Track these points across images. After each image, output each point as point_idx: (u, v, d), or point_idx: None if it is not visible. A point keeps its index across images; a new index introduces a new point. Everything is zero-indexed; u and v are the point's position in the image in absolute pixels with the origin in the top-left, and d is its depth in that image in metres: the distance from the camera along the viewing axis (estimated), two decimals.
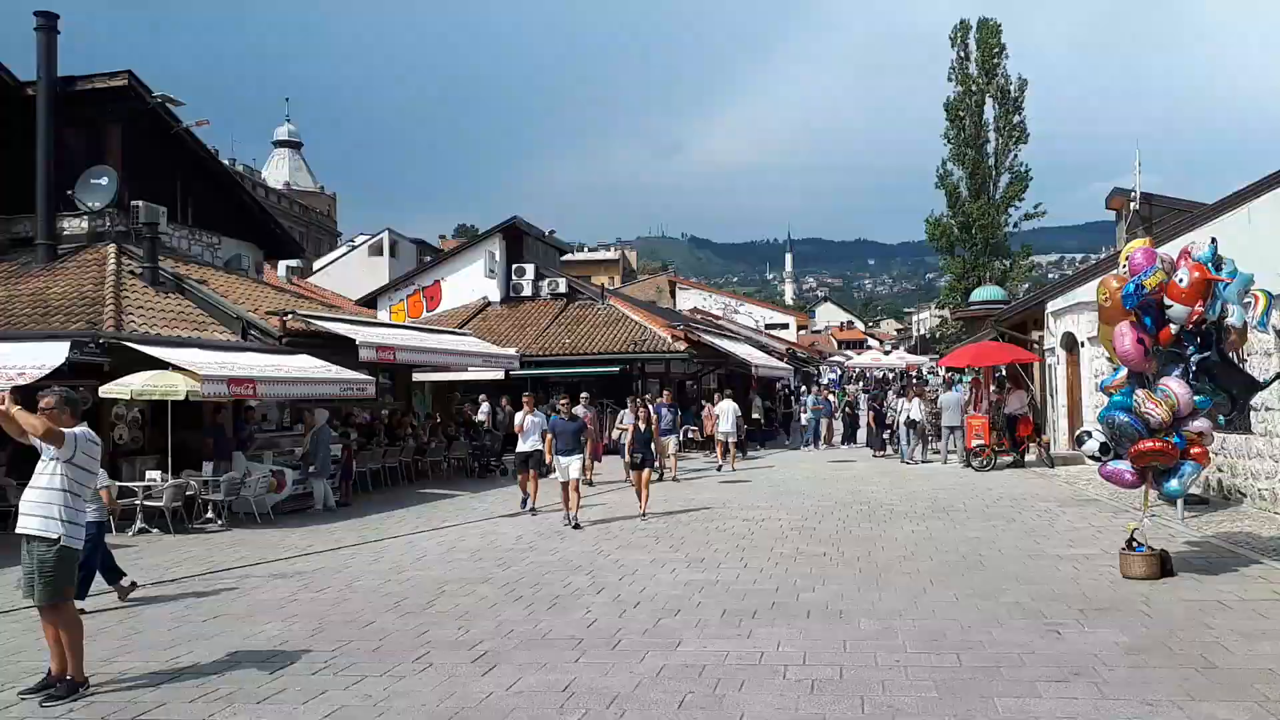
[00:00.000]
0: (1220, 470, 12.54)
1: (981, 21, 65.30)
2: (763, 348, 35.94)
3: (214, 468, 13.82)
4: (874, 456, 22.33)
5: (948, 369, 33.90)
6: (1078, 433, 7.59)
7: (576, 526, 12.09)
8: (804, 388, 38.38)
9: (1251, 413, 11.39)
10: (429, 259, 37.94)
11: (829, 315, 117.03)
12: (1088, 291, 19.81)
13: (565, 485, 12.56)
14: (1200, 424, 7.44)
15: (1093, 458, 7.64)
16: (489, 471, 19.87)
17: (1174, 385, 7.33)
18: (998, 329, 21.93)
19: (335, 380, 15.11)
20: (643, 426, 13.68)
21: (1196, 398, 7.52)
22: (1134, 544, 7.78)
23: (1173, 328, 7.46)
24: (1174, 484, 7.62)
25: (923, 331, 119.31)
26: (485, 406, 22.59)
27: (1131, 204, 21.75)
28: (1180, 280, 7.01)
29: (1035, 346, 21.77)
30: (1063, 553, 9.19)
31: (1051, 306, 20.75)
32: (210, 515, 13.54)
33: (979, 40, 64.90)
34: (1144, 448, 7.38)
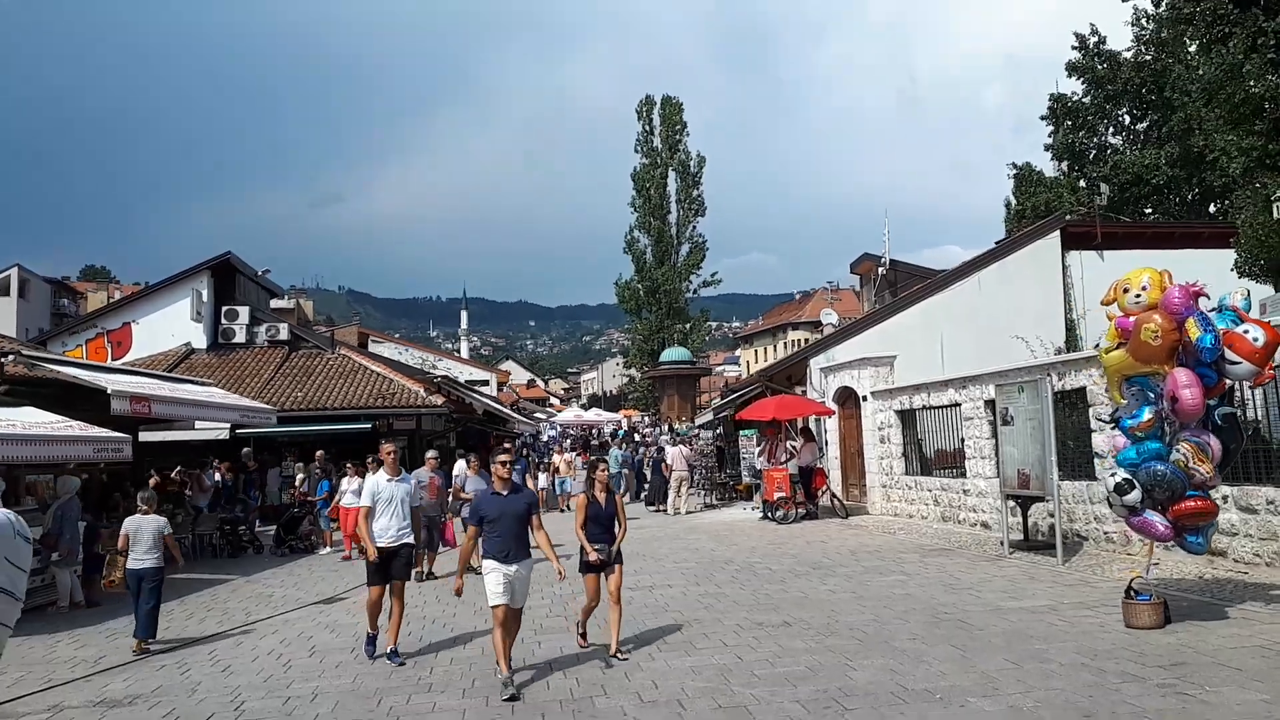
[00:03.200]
0: (1051, 515, 13.39)
1: (665, 99, 69.52)
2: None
3: None
4: (653, 511, 21.95)
5: (679, 428, 34.60)
6: (1117, 480, 7.39)
7: (514, 698, 6.79)
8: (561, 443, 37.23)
9: (1096, 459, 12.27)
10: (65, 301, 32.50)
11: (514, 374, 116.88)
12: (853, 350, 20.98)
13: (499, 615, 7.15)
14: (1216, 478, 7.55)
15: (1129, 507, 7.50)
16: (242, 549, 16.86)
17: (1213, 441, 7.37)
18: (765, 384, 22.52)
19: (88, 440, 11.98)
20: (601, 498, 8.02)
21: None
22: (1134, 593, 7.77)
23: (1227, 383, 7.48)
24: (1200, 539, 7.65)
25: (593, 390, 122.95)
26: (213, 472, 19.19)
27: (880, 269, 23.54)
28: (1255, 339, 6.90)
29: None
30: (1015, 605, 9.09)
31: (819, 363, 21.69)
32: None
33: (663, 116, 68.95)
34: (1190, 507, 7.32)
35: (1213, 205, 40.48)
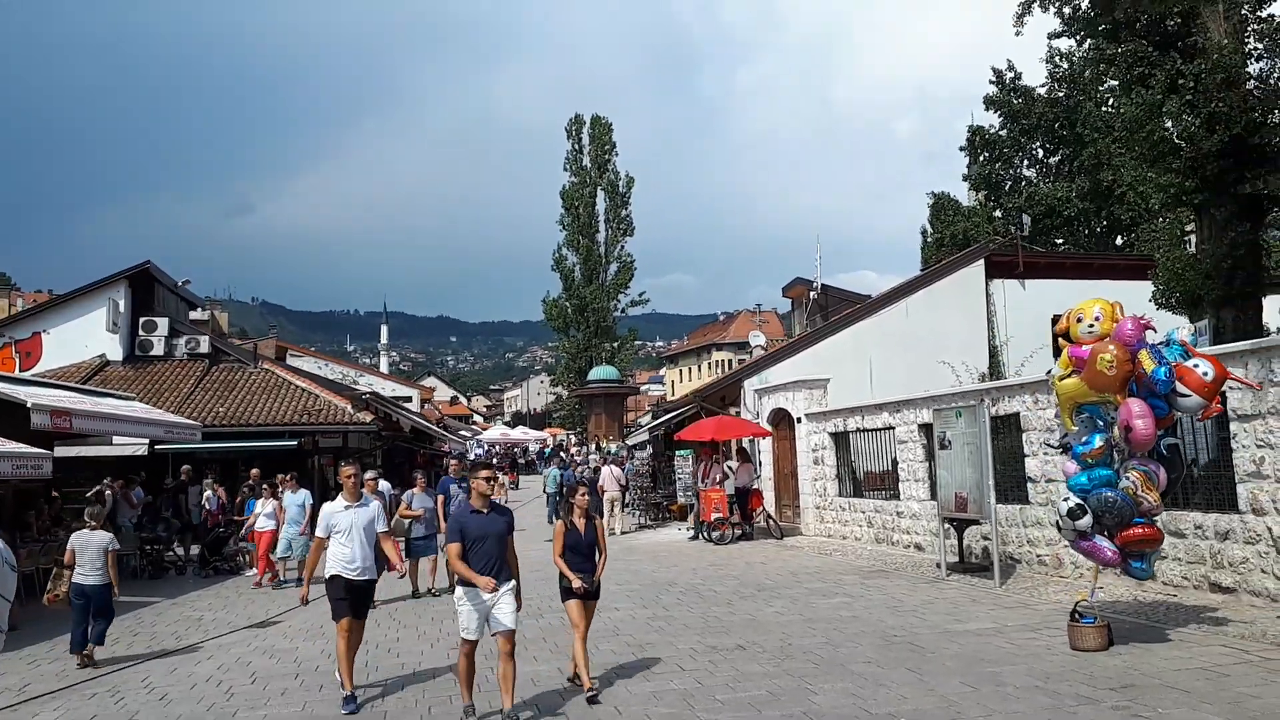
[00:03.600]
0: (987, 539, 13.71)
1: (595, 118, 69.70)
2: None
3: None
4: None
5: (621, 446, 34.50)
6: (1070, 505, 7.57)
7: None
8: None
9: (1029, 484, 12.63)
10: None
11: (437, 390, 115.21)
12: (785, 372, 21.27)
13: (466, 648, 6.91)
14: (1159, 506, 7.79)
15: (1080, 532, 7.69)
16: (164, 569, 16.23)
17: (1160, 471, 7.62)
18: (700, 404, 22.64)
19: (7, 456, 11.40)
20: (580, 524, 7.58)
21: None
22: (1079, 615, 7.99)
23: (1176, 415, 7.70)
24: (1144, 565, 7.88)
25: (517, 408, 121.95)
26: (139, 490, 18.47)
27: (812, 293, 23.92)
28: (1204, 374, 7.11)
29: None
30: (961, 628, 9.26)
31: (754, 385, 21.91)
32: None
33: (592, 135, 69.07)
34: (1137, 534, 7.53)
35: (1119, 238, 42.30)
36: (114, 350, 25.75)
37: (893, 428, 15.98)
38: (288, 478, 16.16)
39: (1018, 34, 18.50)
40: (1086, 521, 7.60)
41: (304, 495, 15.11)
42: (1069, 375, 7.69)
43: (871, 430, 16.81)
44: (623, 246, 67.43)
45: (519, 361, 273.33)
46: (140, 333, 26.04)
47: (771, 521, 18.56)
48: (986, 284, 23.10)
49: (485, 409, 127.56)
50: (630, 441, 27.19)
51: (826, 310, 23.30)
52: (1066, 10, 17.34)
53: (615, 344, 67.58)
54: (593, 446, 54.58)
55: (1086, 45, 19.36)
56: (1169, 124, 15.93)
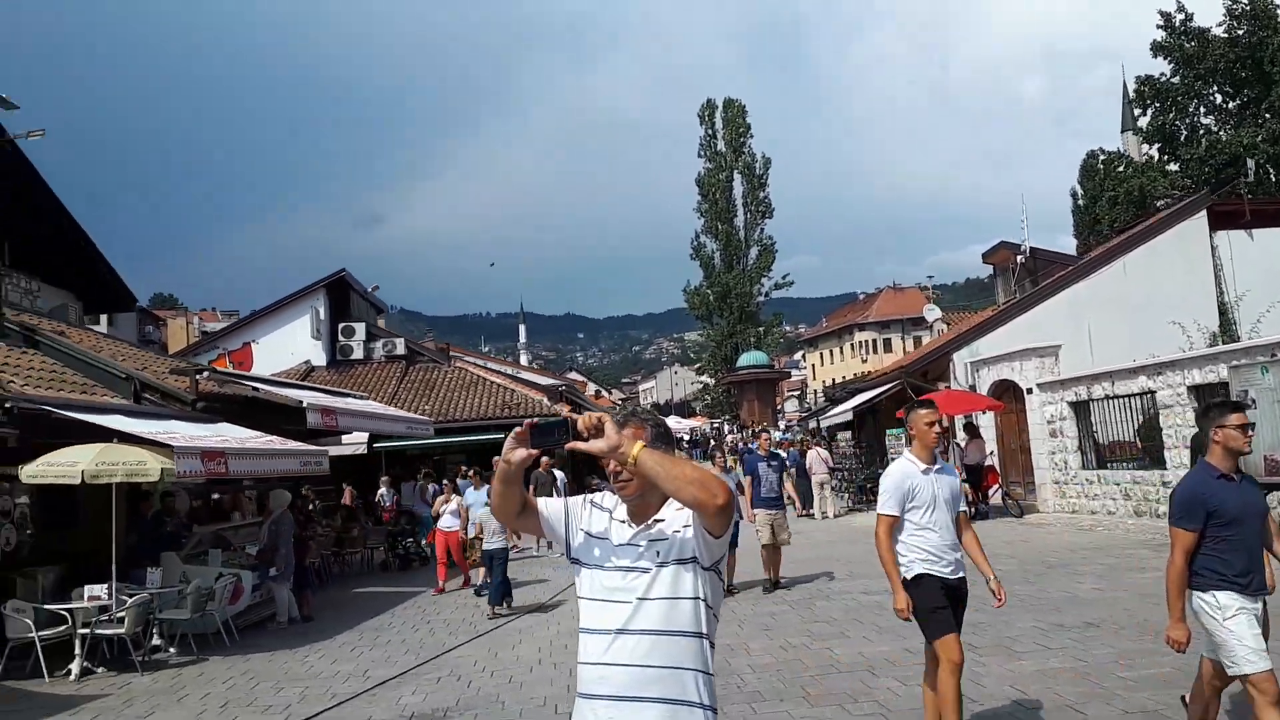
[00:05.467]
0: None
1: (728, 101, 68.89)
2: None
3: (158, 576, 10.11)
4: (798, 516, 21.43)
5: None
6: None
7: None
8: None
9: None
10: (150, 328, 32.80)
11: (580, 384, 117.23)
12: (997, 342, 20.37)
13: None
14: None
15: None
16: (410, 562, 16.69)
17: None
18: (908, 381, 21.95)
19: (294, 454, 11.84)
20: None
21: None
22: None
23: None
24: None
25: (653, 399, 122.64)
26: (384, 490, 19.19)
27: (1020, 257, 22.87)
28: None
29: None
30: None
31: (964, 357, 21.10)
32: (158, 642, 9.85)
33: (725, 119, 68.33)
34: None
35: None
36: (317, 356, 26.81)
37: (1153, 392, 14.99)
38: (470, 471, 15.04)
39: None
40: None
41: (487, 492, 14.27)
42: None
43: (1124, 396, 15.82)
44: (762, 229, 66.45)
45: (645, 354, 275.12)
46: (340, 338, 27.01)
47: (1009, 499, 17.75)
48: (1210, 236, 21.60)
49: (622, 401, 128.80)
50: (826, 423, 26.59)
51: (1035, 275, 22.21)
52: None
53: (761, 329, 66.90)
54: (751, 432, 54.21)
55: None
56: None
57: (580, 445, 2.48)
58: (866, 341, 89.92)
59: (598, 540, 2.71)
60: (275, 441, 12.00)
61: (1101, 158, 49.28)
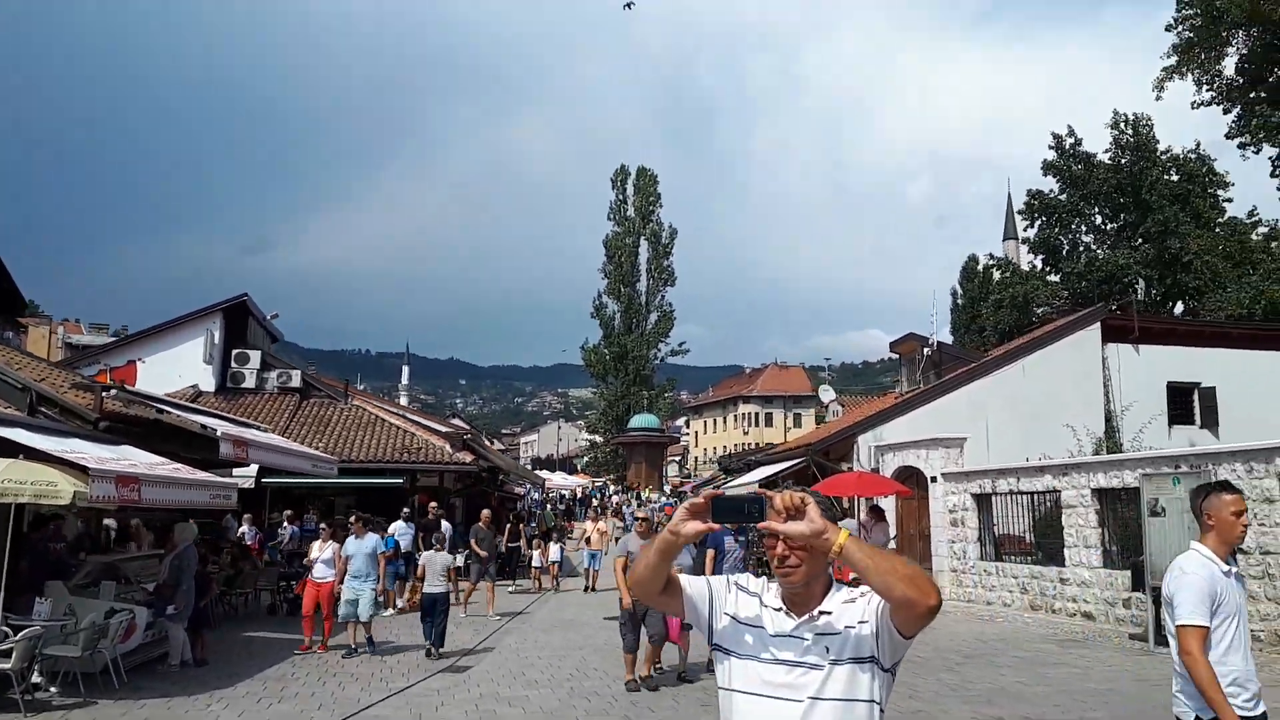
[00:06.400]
0: None
1: (641, 169, 70.11)
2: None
3: (46, 607, 9.22)
4: None
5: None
6: None
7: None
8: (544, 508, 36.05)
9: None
10: (10, 334, 30.80)
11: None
12: (900, 430, 20.97)
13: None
14: None
15: None
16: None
17: None
18: (813, 459, 22.27)
19: (205, 484, 11.12)
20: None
21: None
22: None
23: None
24: None
25: (534, 453, 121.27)
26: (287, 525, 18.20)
27: (926, 349, 23.67)
28: None
29: None
30: None
31: (869, 440, 21.59)
32: (38, 679, 8.95)
33: (638, 186, 69.44)
34: None
35: (1178, 305, 42.26)
36: (206, 381, 25.49)
37: (1058, 491, 15.59)
38: (354, 518, 12.99)
39: (1158, 98, 18.62)
40: None
41: (374, 541, 12.28)
42: None
43: (1029, 493, 16.40)
44: (663, 296, 67.51)
45: (528, 406, 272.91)
46: (233, 365, 25.80)
47: None
48: (1102, 348, 22.86)
49: (502, 452, 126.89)
50: (730, 492, 26.61)
51: (940, 368, 23.02)
52: (1212, 79, 17.42)
53: (653, 392, 67.39)
54: (631, 496, 54.08)
55: (1234, 113, 19.33)
56: None
57: (777, 526, 2.32)
58: (750, 414, 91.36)
59: (748, 627, 2.52)
60: (183, 470, 11.26)
61: (988, 262, 52.07)
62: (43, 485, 8.13)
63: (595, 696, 9.49)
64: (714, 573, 10.01)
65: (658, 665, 10.49)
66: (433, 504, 20.00)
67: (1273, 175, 17.39)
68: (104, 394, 11.92)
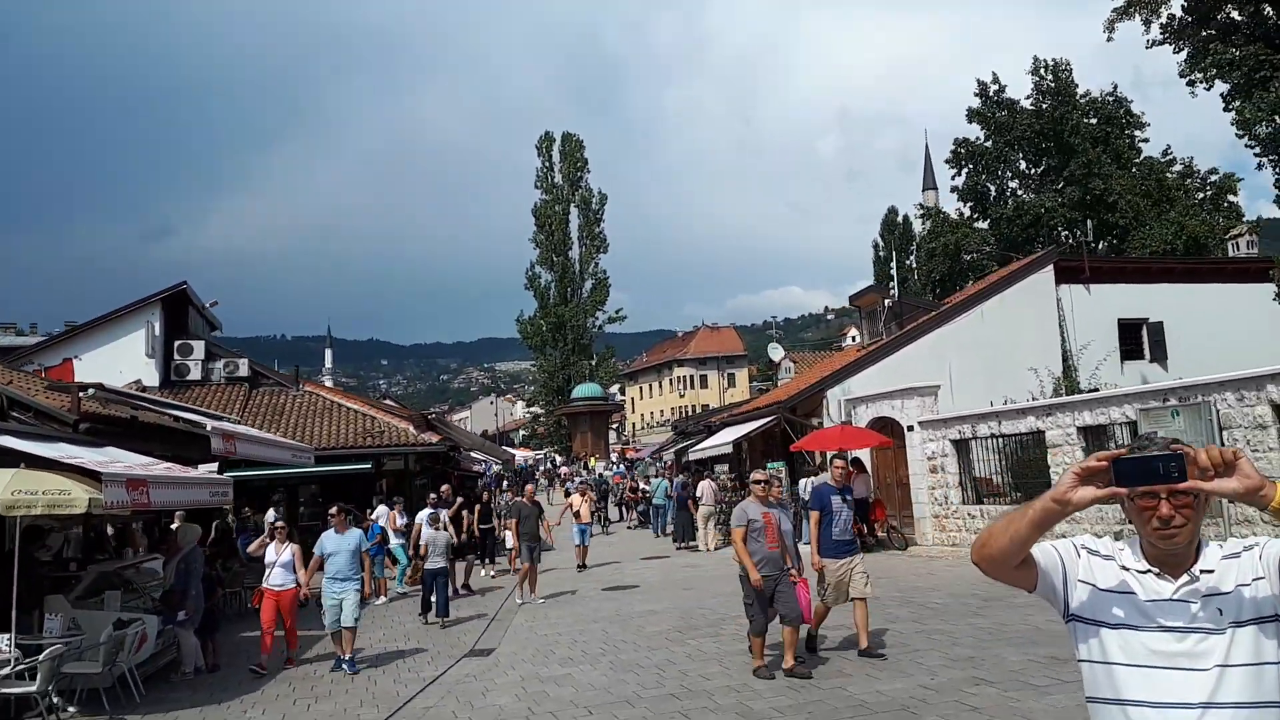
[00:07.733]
0: None
1: (566, 135, 69.04)
2: None
3: (58, 623, 8.66)
4: (680, 549, 21.24)
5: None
6: None
7: None
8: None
9: None
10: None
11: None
12: (868, 382, 21.16)
13: None
14: None
15: None
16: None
17: None
18: (784, 415, 22.32)
19: (204, 483, 10.56)
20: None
21: None
22: None
23: None
24: None
25: (470, 428, 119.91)
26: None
27: (886, 301, 23.86)
28: None
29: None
30: None
31: (838, 395, 21.71)
32: (55, 699, 8.41)
33: (564, 152, 68.42)
34: None
35: (1102, 243, 43.50)
36: (149, 375, 24.39)
37: (1042, 431, 15.86)
38: (334, 510, 10.92)
39: (1109, 39, 18.99)
40: None
41: (357, 538, 10.79)
42: None
43: (1012, 435, 16.66)
44: (597, 264, 66.86)
45: (454, 383, 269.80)
46: (176, 356, 24.73)
47: (895, 532, 18.30)
48: (1056, 290, 23.33)
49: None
50: (696, 456, 26.63)
51: (901, 318, 23.23)
52: (1162, 18, 17.77)
53: (594, 361, 67.01)
54: (580, 465, 53.86)
55: (1185, 49, 19.70)
56: None
57: (1205, 485, 2.10)
58: (685, 377, 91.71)
59: (1116, 595, 2.30)
60: (175, 469, 10.67)
61: (918, 212, 52.88)
62: (55, 494, 7.56)
63: (639, 669, 9.32)
64: (819, 537, 9.38)
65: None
66: (445, 486, 19.56)
67: (1225, 110, 17.90)
68: (81, 394, 11.19)
